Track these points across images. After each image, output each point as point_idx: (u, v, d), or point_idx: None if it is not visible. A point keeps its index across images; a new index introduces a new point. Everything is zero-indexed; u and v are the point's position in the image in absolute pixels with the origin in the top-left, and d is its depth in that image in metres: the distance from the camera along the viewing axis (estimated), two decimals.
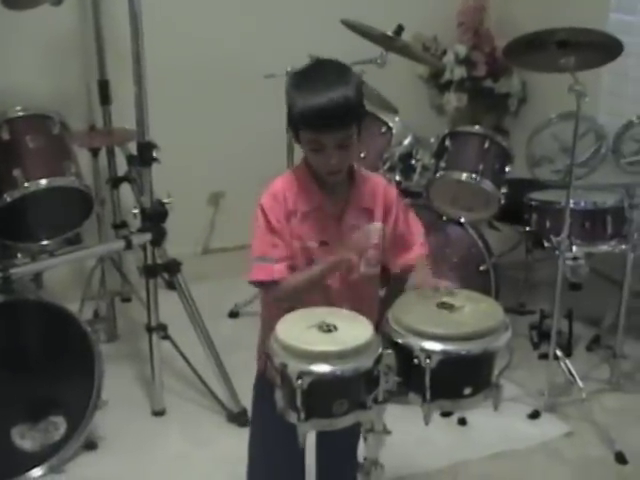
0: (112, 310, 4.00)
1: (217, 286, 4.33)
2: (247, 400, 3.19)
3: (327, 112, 1.90)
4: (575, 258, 3.24)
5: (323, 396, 1.73)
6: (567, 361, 3.38)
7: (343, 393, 1.74)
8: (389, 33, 3.52)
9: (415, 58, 3.80)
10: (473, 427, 3.23)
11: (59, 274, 3.89)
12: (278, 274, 2.01)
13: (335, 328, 1.78)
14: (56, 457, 2.96)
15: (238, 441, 3.07)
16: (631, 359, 3.68)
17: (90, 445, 3.09)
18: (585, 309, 3.90)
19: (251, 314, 4.00)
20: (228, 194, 4.79)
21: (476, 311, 1.87)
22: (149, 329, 3.26)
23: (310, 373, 1.69)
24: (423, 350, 1.77)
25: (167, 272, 3.22)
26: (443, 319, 1.84)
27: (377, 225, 2.09)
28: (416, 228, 2.22)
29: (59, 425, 2.94)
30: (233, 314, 4.20)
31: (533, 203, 3.53)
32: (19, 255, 3.07)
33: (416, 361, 1.78)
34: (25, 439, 2.88)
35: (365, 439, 1.94)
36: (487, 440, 3.16)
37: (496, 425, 3.14)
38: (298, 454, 2.13)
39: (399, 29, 3.53)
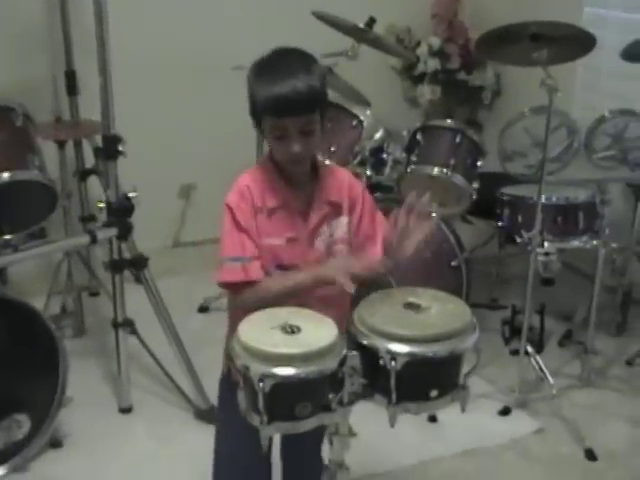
0: (79, 305, 3.94)
1: (187, 280, 4.27)
2: (215, 397, 3.17)
3: (290, 96, 1.88)
4: (547, 254, 3.22)
5: (286, 399, 1.68)
6: (538, 357, 3.36)
7: (307, 396, 1.70)
8: (361, 25, 3.48)
9: (387, 50, 3.76)
10: (443, 424, 3.20)
11: (25, 268, 3.83)
12: (254, 274, 1.96)
13: (299, 329, 1.73)
14: (19, 456, 2.90)
15: (206, 438, 3.01)
16: (602, 355, 3.67)
17: (55, 443, 3.04)
18: (557, 304, 3.88)
19: (221, 309, 3.93)
20: (199, 186, 4.74)
21: (443, 312, 1.83)
22: (115, 325, 3.21)
23: (272, 376, 1.65)
24: (389, 352, 1.72)
25: (133, 267, 3.17)
26: (409, 320, 1.80)
27: (343, 220, 2.06)
28: (382, 226, 2.17)
29: (22, 423, 2.89)
30: (203, 309, 4.14)
31: (505, 198, 3.50)
32: None
33: (382, 362, 1.74)
34: None
35: (330, 442, 1.90)
36: (457, 437, 3.14)
37: (466, 422, 3.09)
38: (264, 452, 2.09)
39: (371, 21, 3.49)
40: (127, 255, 3.21)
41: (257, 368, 1.66)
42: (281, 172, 2.02)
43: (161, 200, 4.43)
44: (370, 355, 1.76)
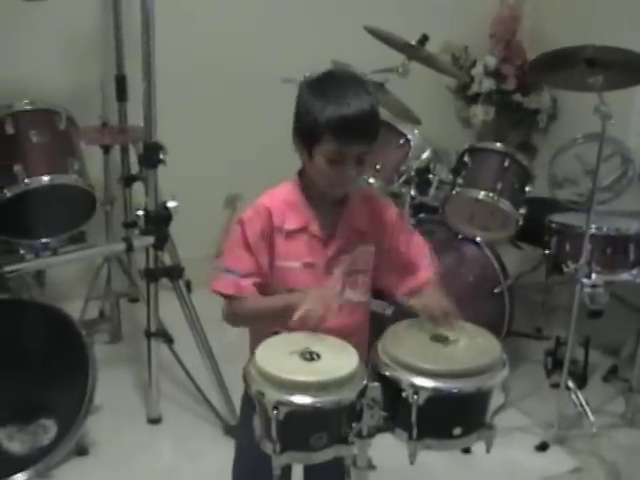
0: (117, 311, 3.92)
1: None
2: None
3: (358, 122, 1.81)
4: (594, 286, 3.10)
5: (300, 428, 1.62)
6: (579, 393, 3.24)
7: (322, 426, 1.63)
8: (413, 42, 3.40)
9: (439, 69, 3.68)
10: (477, 456, 3.04)
11: (64, 272, 3.84)
12: (247, 290, 1.91)
13: (318, 356, 1.67)
14: (44, 462, 2.87)
15: (233, 455, 3.00)
16: None
17: (81, 451, 3.01)
18: (603, 337, 3.74)
19: None
20: (245, 197, 4.70)
21: (471, 346, 1.75)
22: (148, 334, 3.17)
23: (287, 404, 1.58)
24: (411, 385, 1.65)
25: (168, 277, 3.13)
26: (435, 353, 1.72)
27: (368, 249, 1.99)
28: (421, 250, 2.09)
29: (49, 429, 2.86)
30: None
31: (553, 226, 3.39)
32: (21, 252, 2.99)
33: (404, 395, 1.67)
34: (13, 441, 2.80)
35: (348, 474, 1.82)
36: (490, 471, 3.02)
37: (501, 456, 2.96)
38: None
39: (423, 38, 3.41)
40: (166, 263, 3.18)
41: (272, 395, 1.60)
42: (309, 193, 1.96)
43: (207, 209, 4.42)
44: (392, 387, 1.69)
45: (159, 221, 2.98)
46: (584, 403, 3.21)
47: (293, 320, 1.76)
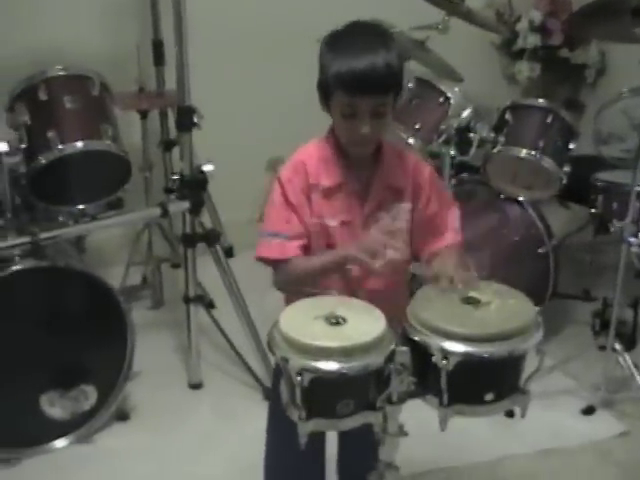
0: (159, 276, 3.91)
1: None
2: None
3: (366, 75, 1.77)
4: None
5: (326, 395, 1.59)
6: (627, 355, 3.15)
7: (349, 393, 1.59)
8: None
9: (479, 24, 3.57)
10: (521, 420, 3.01)
11: (105, 238, 3.85)
12: (292, 252, 1.87)
13: (344, 321, 1.62)
14: (85, 427, 2.89)
15: None
16: None
17: (122, 416, 3.02)
18: None
19: None
20: (287, 160, 4.66)
21: (504, 308, 1.69)
22: (187, 300, 3.16)
23: (312, 370, 1.55)
24: (441, 350, 1.60)
25: (206, 242, 3.10)
26: (466, 316, 1.66)
27: (405, 206, 1.93)
28: (451, 214, 2.03)
29: (89, 394, 2.87)
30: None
31: (599, 184, 3.29)
32: (60, 219, 2.99)
33: (434, 360, 1.62)
34: (54, 407, 2.82)
35: (378, 441, 1.78)
36: (535, 435, 2.96)
37: (546, 419, 2.94)
38: (318, 442, 2.00)
39: None
40: (207, 227, 3.16)
41: (296, 361, 1.56)
42: (341, 151, 1.91)
43: (248, 172, 4.37)
44: (422, 352, 1.64)
45: (194, 185, 2.96)
46: (632, 366, 3.12)
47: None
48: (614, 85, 4.50)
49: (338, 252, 1.84)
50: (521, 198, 3.33)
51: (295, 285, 1.91)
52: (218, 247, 3.12)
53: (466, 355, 1.59)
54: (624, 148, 3.18)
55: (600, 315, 3.54)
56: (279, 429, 2.11)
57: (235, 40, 4.08)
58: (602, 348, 3.23)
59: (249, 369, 3.24)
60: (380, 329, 1.61)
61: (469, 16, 3.41)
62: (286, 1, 4.15)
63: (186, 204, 2.96)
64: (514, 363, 1.66)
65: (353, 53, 1.78)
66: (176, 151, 3.91)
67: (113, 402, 2.93)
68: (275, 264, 1.90)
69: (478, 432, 2.91)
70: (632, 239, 2.98)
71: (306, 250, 1.89)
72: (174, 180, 3.00)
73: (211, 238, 3.10)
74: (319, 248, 1.90)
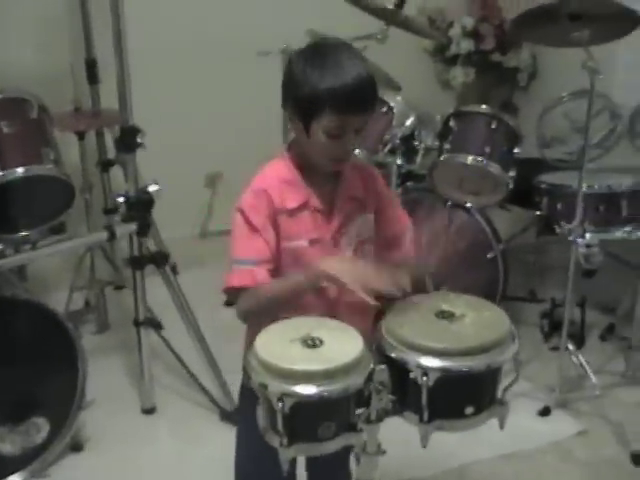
0: (102, 299, 3.83)
1: (215, 271, 4.08)
2: None
3: (360, 92, 1.73)
4: (588, 245, 3.04)
5: (308, 419, 1.55)
6: (580, 355, 3.19)
7: (330, 415, 1.56)
8: (390, 6, 3.30)
9: (417, 32, 3.58)
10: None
11: (46, 263, 3.74)
12: (262, 277, 1.81)
13: (321, 342, 1.59)
14: (38, 461, 2.80)
15: (231, 440, 2.92)
16: None
17: (76, 446, 2.93)
18: (598, 296, 3.70)
19: None
20: (225, 175, 4.62)
21: (478, 321, 1.68)
22: (137, 323, 3.09)
23: (293, 395, 1.51)
24: (419, 366, 1.59)
25: (154, 263, 3.04)
26: (442, 331, 1.65)
27: (369, 217, 1.93)
28: (406, 224, 2.02)
29: (41, 427, 2.78)
30: (230, 303, 3.99)
31: (543, 186, 3.32)
32: (0, 247, 2.88)
33: (412, 377, 1.60)
34: (4, 442, 2.72)
35: (357, 460, 1.75)
36: (496, 439, 2.93)
37: (506, 423, 2.95)
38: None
39: (400, 2, 3.31)
40: (151, 248, 3.10)
41: (276, 386, 1.53)
42: (303, 169, 1.88)
43: (187, 189, 4.33)
44: (399, 369, 1.62)
45: (141, 207, 2.89)
46: (585, 365, 3.16)
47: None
48: (546, 88, 4.59)
49: (311, 271, 1.79)
50: (468, 204, 3.35)
51: (264, 311, 1.85)
52: (167, 267, 3.06)
53: (446, 370, 1.58)
54: (566, 151, 3.23)
55: (549, 316, 3.60)
56: (249, 453, 2.07)
57: (170, 57, 4.04)
58: (554, 349, 3.27)
59: (204, 390, 3.19)
60: (359, 348, 1.58)
61: (407, 24, 3.42)
62: (223, 16, 4.12)
63: (133, 226, 2.89)
64: (492, 375, 1.66)
65: (344, 73, 1.72)
66: (114, 171, 3.88)
67: (67, 433, 2.85)
68: (244, 291, 1.84)
69: (442, 441, 2.88)
70: (580, 240, 3.02)
71: (275, 274, 1.85)
72: (119, 202, 2.91)
73: (159, 259, 3.03)
74: (291, 270, 1.86)
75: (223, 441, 2.93)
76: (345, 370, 1.54)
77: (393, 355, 1.63)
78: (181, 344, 3.26)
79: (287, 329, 1.64)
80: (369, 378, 1.58)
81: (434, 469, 2.86)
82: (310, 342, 1.59)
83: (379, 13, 3.35)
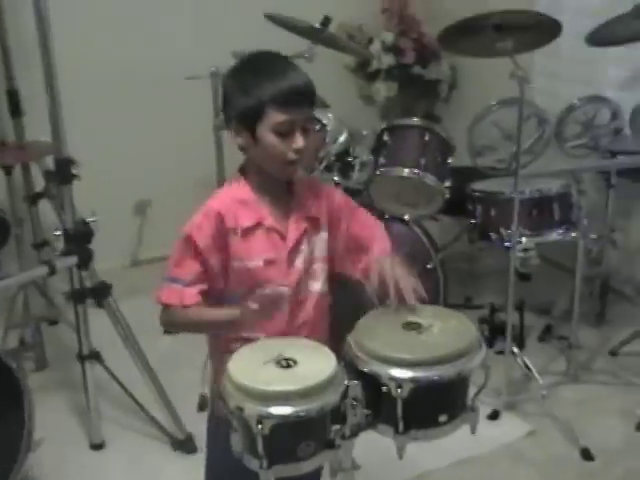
0: (39, 336, 3.73)
1: (151, 300, 4.04)
2: (192, 425, 3.03)
3: (300, 88, 1.79)
4: (526, 249, 3.12)
5: (287, 440, 1.54)
6: (525, 357, 3.25)
7: (308, 434, 1.56)
8: (316, 25, 3.33)
9: (344, 49, 3.63)
10: None
11: None
12: (189, 299, 1.84)
13: (294, 362, 1.59)
14: None
15: (186, 469, 2.90)
16: (585, 347, 3.57)
17: None
18: (533, 298, 3.78)
19: None
20: (154, 202, 4.58)
21: (446, 330, 1.70)
22: (81, 358, 3.02)
23: (271, 416, 1.51)
24: (392, 378, 1.59)
25: (96, 296, 2.98)
26: (412, 342, 1.66)
27: (323, 235, 1.95)
28: (372, 227, 2.04)
29: None
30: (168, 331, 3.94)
31: (477, 194, 3.39)
32: None
33: (385, 390, 1.61)
34: None
35: (333, 476, 1.75)
36: (450, 446, 2.97)
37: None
38: None
39: (326, 20, 3.34)
40: (87, 282, 3.03)
41: (253, 409, 1.52)
42: (257, 189, 1.88)
43: (116, 219, 4.25)
44: (372, 383, 1.62)
45: (80, 239, 2.84)
46: (530, 366, 3.22)
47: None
48: (466, 98, 4.69)
49: (232, 311, 1.82)
50: (406, 217, 3.39)
51: (182, 331, 1.95)
52: (110, 299, 3.00)
53: (418, 381, 1.59)
54: (497, 158, 3.30)
55: (488, 321, 3.66)
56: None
57: (97, 85, 3.99)
58: (499, 353, 3.32)
59: (153, 420, 3.13)
60: (332, 366, 1.59)
61: (333, 42, 3.45)
62: (152, 43, 4.11)
63: (74, 259, 2.84)
64: (463, 382, 1.67)
65: (280, 72, 1.79)
66: (42, 205, 3.79)
67: (16, 477, 2.75)
68: (170, 308, 1.88)
69: (393, 452, 2.92)
70: (518, 245, 3.09)
71: (208, 294, 1.86)
72: (56, 235, 2.85)
73: (101, 291, 2.98)
74: (242, 290, 1.85)
75: (177, 470, 2.94)
76: (321, 388, 1.54)
77: (365, 369, 1.63)
78: (124, 376, 3.19)
79: (258, 351, 1.64)
80: (344, 395, 1.58)
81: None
82: (284, 363, 1.59)
83: (305, 32, 3.37)
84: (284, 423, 1.52)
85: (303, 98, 1.80)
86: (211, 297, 1.88)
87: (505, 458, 2.99)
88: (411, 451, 2.95)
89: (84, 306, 2.99)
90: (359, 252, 1.97)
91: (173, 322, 1.92)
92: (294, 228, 1.90)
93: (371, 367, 1.63)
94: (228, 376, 1.58)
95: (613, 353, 3.59)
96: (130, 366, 3.12)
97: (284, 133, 1.79)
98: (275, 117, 1.77)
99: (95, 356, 3.04)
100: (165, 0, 4.20)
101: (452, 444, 2.93)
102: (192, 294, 1.84)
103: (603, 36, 3.23)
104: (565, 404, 3.24)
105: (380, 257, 1.91)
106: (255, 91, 1.78)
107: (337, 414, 1.59)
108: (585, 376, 3.43)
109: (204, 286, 1.85)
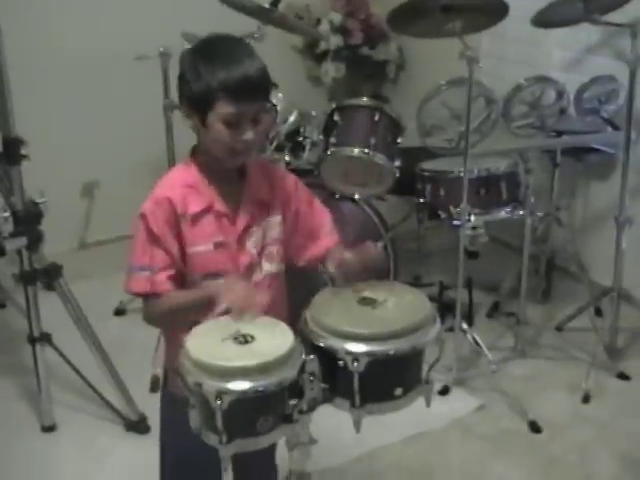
0: None
1: (99, 283, 4.04)
2: (145, 405, 3.03)
3: (250, 80, 1.75)
4: (474, 227, 3.17)
5: (246, 414, 1.56)
6: (475, 334, 3.31)
7: (267, 409, 1.58)
8: (266, 5, 3.33)
9: (294, 29, 3.63)
10: None
11: None
12: (161, 286, 1.82)
13: (252, 338, 1.60)
14: None
15: (140, 450, 2.89)
16: (532, 323, 3.66)
17: None
18: (480, 276, 3.83)
19: (138, 311, 3.74)
20: (102, 183, 4.53)
21: (400, 305, 1.73)
22: (32, 340, 3.00)
23: (229, 392, 1.52)
24: (348, 352, 1.62)
25: (47, 278, 2.96)
26: (367, 317, 1.69)
27: (276, 219, 1.94)
28: (322, 218, 2.05)
29: None
30: (119, 312, 3.93)
31: (426, 174, 3.43)
32: None
33: (341, 364, 1.63)
34: None
35: (291, 451, 1.77)
36: (401, 422, 3.03)
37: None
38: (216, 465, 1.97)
39: (276, 1, 3.33)
40: (36, 264, 3.00)
41: (212, 385, 1.53)
42: (207, 172, 1.88)
43: (63, 200, 4.19)
44: (328, 357, 1.65)
45: (30, 220, 2.81)
46: (480, 342, 3.28)
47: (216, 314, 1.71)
48: (413, 79, 4.73)
49: (207, 290, 1.80)
50: (356, 196, 3.41)
51: (166, 321, 1.90)
52: (61, 280, 2.98)
53: (374, 354, 1.62)
54: (446, 137, 3.34)
55: (437, 299, 3.71)
56: (180, 462, 2.04)
57: (45, 67, 3.93)
58: (449, 330, 3.37)
59: (105, 401, 3.12)
60: (290, 341, 1.61)
61: (283, 22, 3.45)
62: (100, 24, 4.06)
63: (24, 240, 2.81)
64: (418, 356, 1.71)
65: (235, 61, 1.76)
66: None
67: None
68: (146, 298, 1.86)
69: (346, 429, 2.95)
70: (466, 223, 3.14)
71: (177, 280, 1.85)
72: (5, 217, 2.82)
73: (53, 272, 2.95)
74: (198, 276, 1.86)
75: (131, 451, 2.94)
76: (279, 363, 1.56)
77: (321, 344, 1.65)
78: (75, 359, 3.16)
79: (216, 328, 1.65)
80: (302, 369, 1.60)
81: (344, 457, 2.90)
82: (241, 339, 1.60)
83: (255, 12, 3.36)
84: (243, 398, 1.53)
85: (255, 90, 1.77)
86: (178, 284, 1.87)
87: (456, 432, 3.05)
88: (364, 427, 3.00)
89: (34, 288, 2.96)
90: (306, 239, 1.99)
91: (152, 314, 1.87)
92: (244, 211, 1.89)
93: (327, 342, 1.65)
94: (186, 353, 1.59)
95: (559, 329, 3.67)
96: (81, 348, 3.10)
97: (233, 124, 1.77)
98: (224, 108, 1.76)
99: (46, 338, 3.02)
100: None
101: (404, 420, 2.98)
102: (162, 280, 1.82)
103: (548, 18, 3.28)
104: (513, 379, 3.31)
105: (337, 248, 1.95)
106: (208, 78, 1.76)
107: (295, 389, 1.61)
108: (532, 351, 3.51)
109: (172, 271, 1.83)
